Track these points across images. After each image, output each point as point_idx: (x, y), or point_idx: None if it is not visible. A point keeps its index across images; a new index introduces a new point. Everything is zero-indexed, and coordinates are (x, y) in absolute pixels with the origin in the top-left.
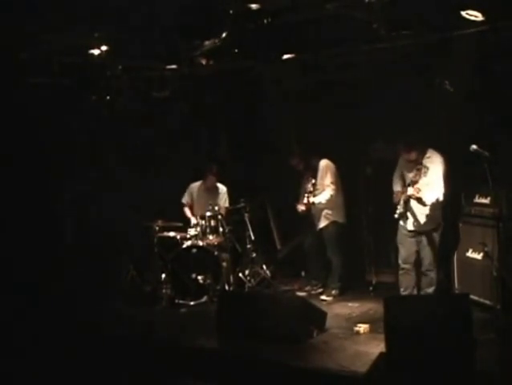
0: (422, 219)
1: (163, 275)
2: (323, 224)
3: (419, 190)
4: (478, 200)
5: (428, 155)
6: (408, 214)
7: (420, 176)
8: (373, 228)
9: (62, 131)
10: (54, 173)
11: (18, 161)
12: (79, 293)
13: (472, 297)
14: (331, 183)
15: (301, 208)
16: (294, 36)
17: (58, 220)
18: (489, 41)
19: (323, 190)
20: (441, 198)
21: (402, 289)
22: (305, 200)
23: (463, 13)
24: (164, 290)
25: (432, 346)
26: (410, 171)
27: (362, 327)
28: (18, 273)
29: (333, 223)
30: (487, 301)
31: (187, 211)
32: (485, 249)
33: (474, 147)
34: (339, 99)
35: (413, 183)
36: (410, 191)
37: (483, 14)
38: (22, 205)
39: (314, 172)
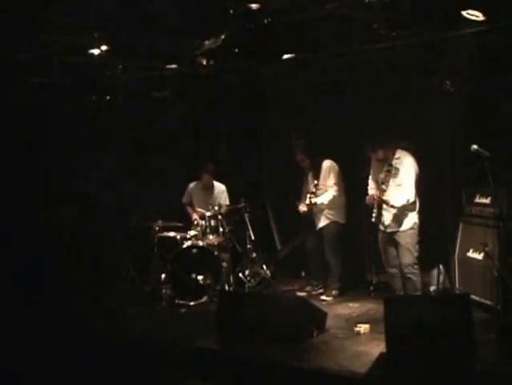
0: (394, 220)
1: (163, 275)
2: (323, 223)
3: (383, 191)
4: (479, 200)
5: (397, 156)
6: (383, 217)
7: (390, 177)
8: (373, 228)
9: (62, 131)
10: (53, 173)
11: (17, 161)
12: (78, 293)
13: (472, 297)
14: (334, 184)
15: (303, 208)
16: (294, 36)
17: (57, 221)
18: (489, 41)
19: (326, 191)
20: (412, 199)
21: (396, 293)
22: (307, 201)
23: (463, 13)
24: (164, 290)
25: (432, 347)
26: (380, 172)
27: (362, 327)
28: (17, 273)
29: (333, 223)
30: (488, 302)
31: (188, 209)
32: (486, 249)
33: (474, 147)
34: (339, 99)
35: (382, 184)
36: (377, 193)
37: (483, 14)
38: (21, 205)
39: (316, 173)
